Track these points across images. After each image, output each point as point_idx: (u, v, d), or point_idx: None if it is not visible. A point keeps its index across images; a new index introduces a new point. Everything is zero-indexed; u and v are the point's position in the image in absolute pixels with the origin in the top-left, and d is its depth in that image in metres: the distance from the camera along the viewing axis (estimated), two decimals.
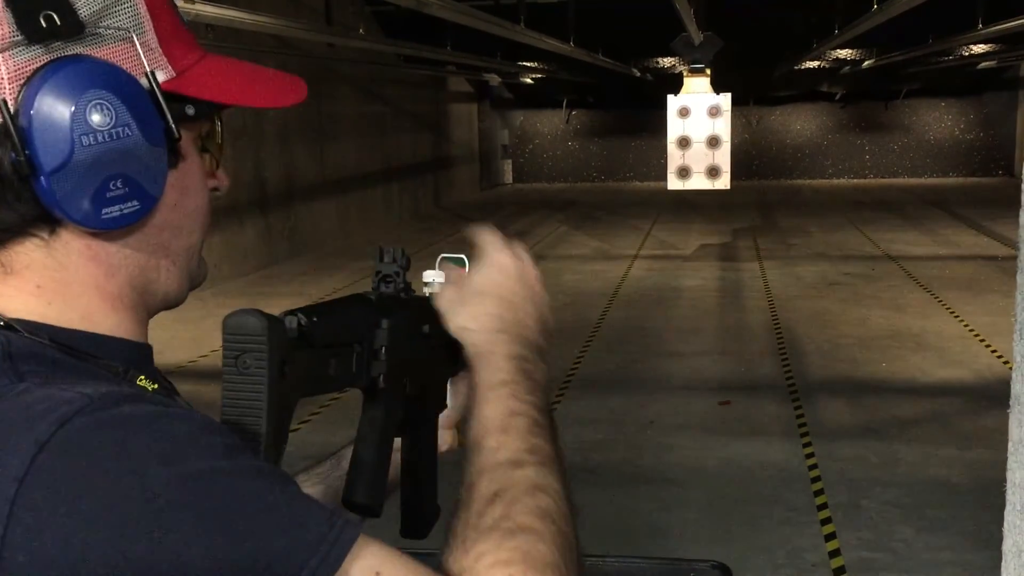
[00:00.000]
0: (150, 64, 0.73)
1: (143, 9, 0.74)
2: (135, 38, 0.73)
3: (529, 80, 19.03)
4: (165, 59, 0.75)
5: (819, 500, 4.31)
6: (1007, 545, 0.92)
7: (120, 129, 0.70)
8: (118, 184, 0.71)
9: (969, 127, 22.17)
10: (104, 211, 0.71)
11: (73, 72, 0.69)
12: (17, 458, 0.59)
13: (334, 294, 0.84)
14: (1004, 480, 0.90)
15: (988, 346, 6.89)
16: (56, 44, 0.69)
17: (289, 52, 11.03)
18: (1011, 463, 0.91)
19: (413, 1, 6.86)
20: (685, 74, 11.43)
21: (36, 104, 0.67)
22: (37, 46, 0.68)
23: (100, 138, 0.69)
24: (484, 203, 18.96)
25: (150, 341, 0.81)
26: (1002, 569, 0.95)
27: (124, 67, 0.72)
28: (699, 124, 11.20)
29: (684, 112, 11.22)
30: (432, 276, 0.98)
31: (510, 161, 23.56)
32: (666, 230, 13.97)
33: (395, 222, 15.47)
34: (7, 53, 0.68)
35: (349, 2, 12.19)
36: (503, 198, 20.23)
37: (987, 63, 16.39)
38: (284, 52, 10.93)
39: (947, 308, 8.21)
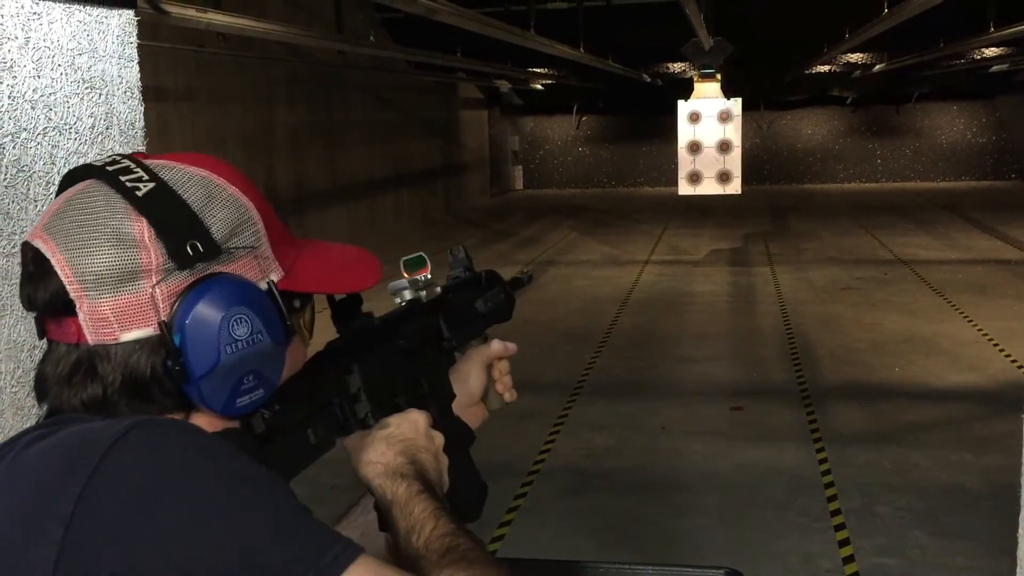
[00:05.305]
0: (268, 271, 0.86)
1: (260, 225, 0.86)
2: (257, 252, 0.85)
3: (539, 86, 19.03)
4: (276, 263, 0.87)
5: (832, 506, 4.29)
6: (1022, 551, 0.91)
7: (255, 336, 0.83)
8: (250, 378, 0.84)
9: (981, 130, 22.07)
10: (238, 401, 0.83)
11: (217, 292, 0.81)
12: (83, 467, 0.71)
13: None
14: (1019, 485, 0.89)
15: (1002, 350, 6.85)
16: (199, 266, 0.81)
17: (300, 60, 11.06)
18: None
19: (423, 8, 6.87)
20: (695, 79, 11.43)
21: (189, 322, 0.80)
22: (186, 270, 0.81)
23: (240, 346, 0.82)
24: (494, 209, 18.97)
25: None
26: (1017, 575, 0.94)
27: (250, 277, 0.84)
28: (710, 129, 11.20)
29: (695, 117, 11.22)
30: (399, 286, 1.08)
31: (520, 167, 23.55)
32: (677, 235, 13.95)
33: (406, 228, 15.49)
34: (162, 281, 0.80)
35: (359, 9, 12.21)
36: (513, 204, 20.24)
37: (999, 66, 16.31)
38: (295, 60, 10.96)
39: (960, 312, 8.17)
